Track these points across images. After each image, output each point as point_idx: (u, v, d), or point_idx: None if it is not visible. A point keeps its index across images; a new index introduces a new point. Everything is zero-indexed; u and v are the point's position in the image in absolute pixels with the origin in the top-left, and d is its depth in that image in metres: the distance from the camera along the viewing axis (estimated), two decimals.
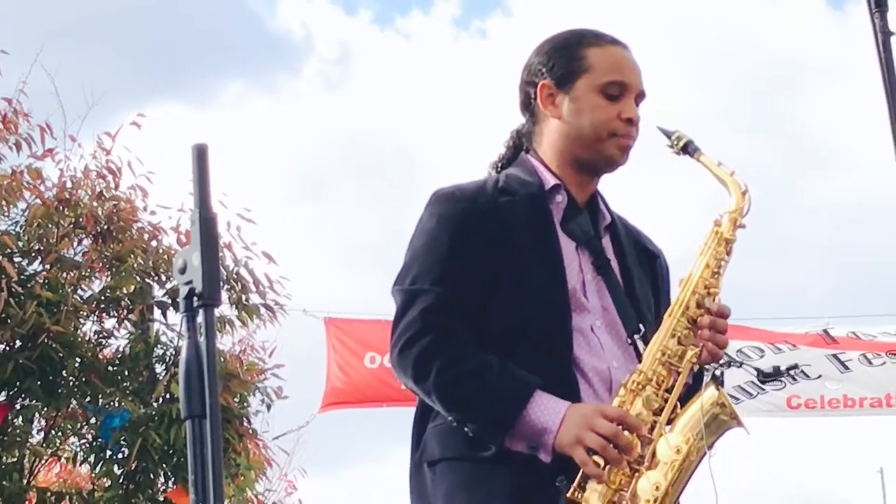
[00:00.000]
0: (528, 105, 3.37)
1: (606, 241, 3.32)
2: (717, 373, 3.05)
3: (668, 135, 3.25)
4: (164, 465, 9.61)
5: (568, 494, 2.94)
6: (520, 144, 3.39)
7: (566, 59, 3.29)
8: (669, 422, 3.03)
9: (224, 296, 9.80)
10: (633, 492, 2.94)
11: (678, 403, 3.05)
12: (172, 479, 9.70)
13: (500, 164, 3.38)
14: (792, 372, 12.72)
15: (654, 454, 2.97)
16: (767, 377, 3.00)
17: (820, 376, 12.79)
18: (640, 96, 3.29)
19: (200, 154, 2.56)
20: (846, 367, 12.84)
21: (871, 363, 12.79)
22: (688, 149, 3.23)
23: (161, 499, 9.76)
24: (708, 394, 3.02)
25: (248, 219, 10.19)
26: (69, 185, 9.85)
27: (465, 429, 3.04)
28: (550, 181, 3.26)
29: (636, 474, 2.95)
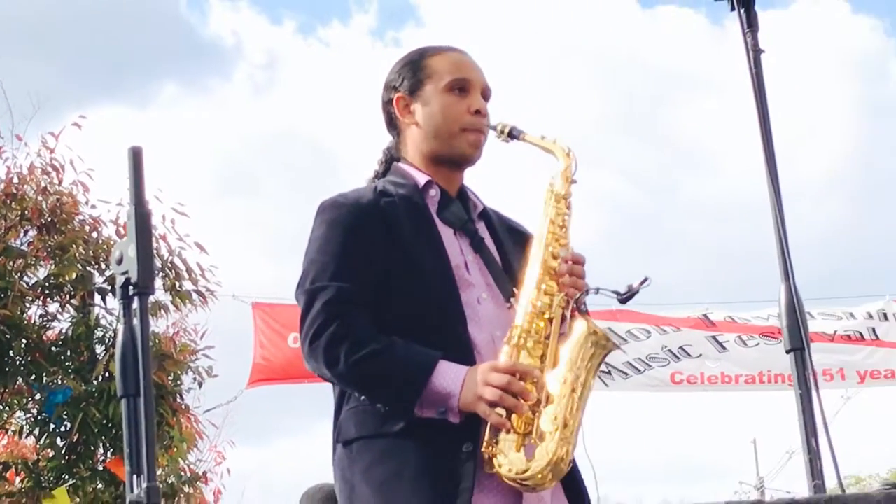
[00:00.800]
0: (391, 122, 3.44)
1: (481, 226, 3.37)
2: (582, 307, 3.11)
3: (492, 128, 3.30)
4: (104, 438, 9.66)
5: (483, 449, 2.97)
6: (391, 158, 3.45)
7: (412, 71, 3.38)
8: (555, 364, 3.06)
9: (159, 283, 9.96)
10: (537, 429, 2.96)
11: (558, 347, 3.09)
12: (111, 450, 9.74)
13: (375, 177, 3.42)
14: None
15: (547, 393, 3.00)
16: (625, 296, 3.03)
17: (700, 355, 12.98)
18: (486, 92, 3.36)
19: (135, 156, 2.58)
20: (724, 348, 13.04)
21: (745, 344, 12.99)
22: (513, 133, 3.30)
23: (100, 468, 9.78)
24: (579, 327, 3.06)
25: (182, 212, 10.28)
26: (16, 180, 9.93)
27: (377, 406, 3.07)
28: (422, 179, 3.32)
29: (536, 415, 2.98)
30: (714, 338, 13.11)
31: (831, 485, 2.62)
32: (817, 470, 2.49)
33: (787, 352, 2.64)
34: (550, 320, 3.09)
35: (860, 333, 13.27)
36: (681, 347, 13.06)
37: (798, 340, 2.61)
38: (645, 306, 13.39)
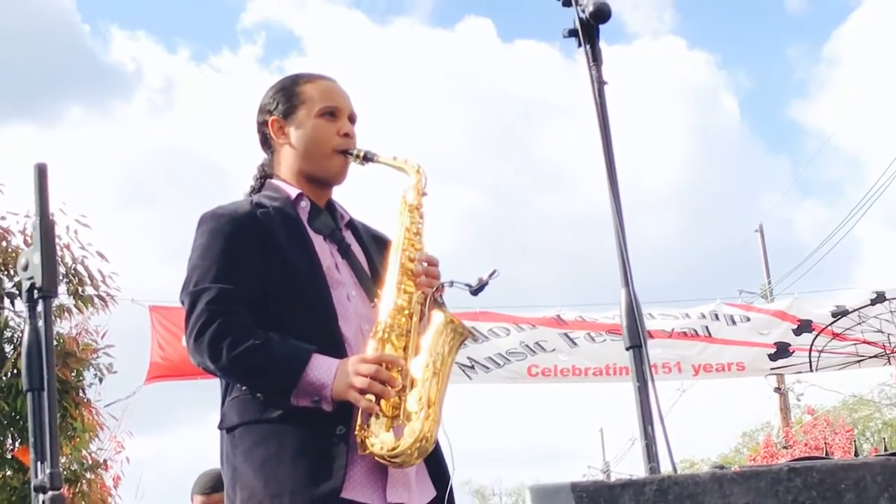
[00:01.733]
0: (265, 142, 3.44)
1: (348, 234, 3.40)
2: (438, 299, 3.17)
3: (350, 153, 3.32)
4: (12, 429, 9.59)
5: (356, 433, 3.00)
6: (265, 174, 3.45)
7: (286, 96, 3.39)
8: (417, 353, 3.11)
9: (63, 288, 9.96)
10: (404, 411, 3.02)
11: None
12: (19, 440, 9.64)
13: (251, 192, 3.42)
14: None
15: (412, 378, 3.05)
16: (476, 288, 3.05)
17: (554, 350, 13.15)
18: (352, 117, 3.39)
19: (41, 172, 2.56)
20: (574, 343, 13.22)
21: (594, 340, 13.19)
22: (367, 156, 3.32)
23: (9, 457, 9.67)
24: (437, 318, 3.12)
25: (85, 224, 10.27)
26: None
27: (257, 395, 3.07)
28: (294, 193, 3.33)
29: (402, 398, 3.03)
30: (566, 335, 13.28)
31: (668, 469, 2.67)
32: (653, 454, 2.53)
33: (627, 349, 2.68)
34: (410, 315, 3.14)
35: (695, 331, 13.55)
36: (536, 343, 13.20)
37: (636, 339, 2.66)
38: (505, 308, 13.63)
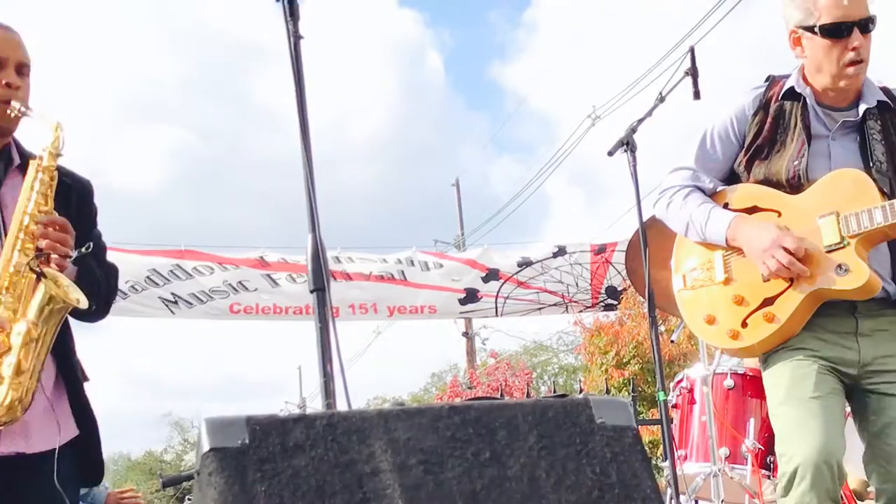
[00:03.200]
0: None
1: (13, 182, 3.23)
2: (35, 267, 3.01)
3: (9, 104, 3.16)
4: None
5: None
6: None
7: None
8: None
9: None
10: None
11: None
12: None
13: None
14: (235, 285, 13.11)
15: (8, 344, 2.95)
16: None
17: (256, 289, 13.19)
18: (21, 67, 3.21)
19: None
20: (276, 284, 13.30)
21: (295, 281, 13.28)
22: (21, 111, 3.14)
23: None
24: (41, 287, 2.99)
25: None
26: None
27: None
28: None
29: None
30: (269, 275, 13.35)
31: (360, 405, 2.74)
32: (330, 391, 2.59)
33: (311, 291, 2.72)
34: (25, 279, 3.01)
35: (392, 275, 13.88)
36: (239, 282, 13.22)
37: (320, 282, 2.70)
38: (209, 248, 13.58)
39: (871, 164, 3.49)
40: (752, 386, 5.51)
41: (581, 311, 15.26)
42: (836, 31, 3.46)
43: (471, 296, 14.01)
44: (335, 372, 2.59)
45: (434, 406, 2.16)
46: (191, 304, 13.08)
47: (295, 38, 2.69)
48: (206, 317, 13.31)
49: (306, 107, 2.68)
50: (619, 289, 14.52)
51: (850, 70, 3.47)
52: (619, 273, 14.06)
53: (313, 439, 2.09)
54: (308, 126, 2.67)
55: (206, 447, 2.07)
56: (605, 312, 15.63)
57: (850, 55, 3.46)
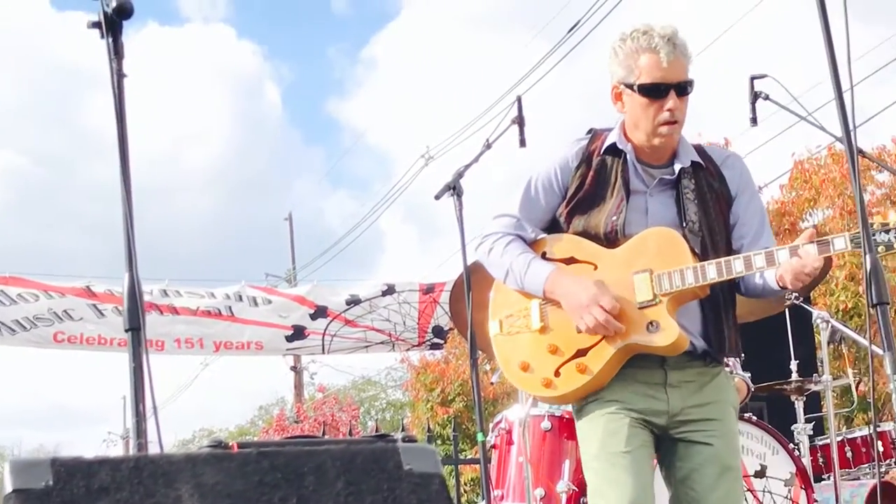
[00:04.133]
0: None
1: None
2: None
3: None
4: None
5: None
6: None
7: None
8: None
9: None
10: None
11: None
12: None
13: None
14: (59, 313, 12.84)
15: None
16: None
17: (82, 318, 12.89)
18: None
19: None
20: (102, 314, 13.03)
21: (121, 313, 12.99)
22: None
23: None
24: None
25: None
26: None
27: None
28: None
29: None
30: (95, 305, 13.06)
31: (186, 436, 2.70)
32: (142, 430, 2.54)
33: (126, 331, 2.67)
34: None
35: (219, 310, 13.73)
36: (64, 311, 12.91)
37: (136, 321, 2.66)
38: (35, 275, 13.29)
39: (685, 223, 3.60)
40: (568, 428, 5.58)
41: (408, 350, 15.31)
42: (653, 91, 3.55)
43: (298, 333, 13.92)
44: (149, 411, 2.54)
45: (242, 452, 2.14)
46: (14, 330, 12.72)
47: (118, 77, 2.65)
48: (30, 344, 12.96)
49: (127, 147, 2.64)
50: (446, 328, 14.60)
51: (664, 129, 3.58)
52: (447, 313, 14.13)
53: (119, 482, 2.05)
54: (128, 165, 2.62)
55: (8, 488, 2.02)
56: (431, 351, 15.70)
57: (665, 115, 3.56)
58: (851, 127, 2.96)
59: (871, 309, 2.92)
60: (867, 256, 2.96)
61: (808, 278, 3.41)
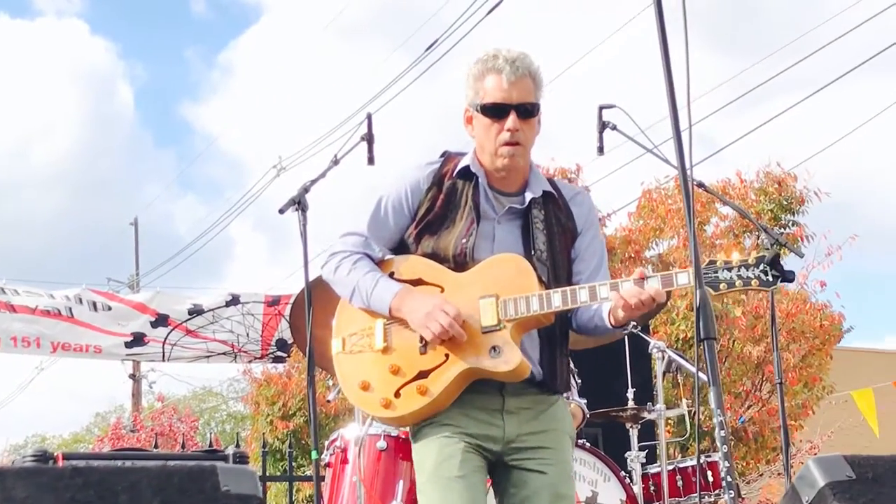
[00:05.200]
0: None
1: None
2: None
3: None
4: None
5: None
6: None
7: None
8: None
9: None
10: None
11: None
12: None
13: None
14: None
15: None
16: None
17: None
18: None
19: None
20: None
21: None
22: None
23: None
24: None
25: None
26: None
27: None
28: None
29: None
30: None
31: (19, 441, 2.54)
32: None
33: None
34: None
35: (59, 311, 13.51)
36: None
37: None
38: None
39: (533, 252, 3.60)
40: (403, 449, 5.53)
41: (250, 362, 15.12)
42: (494, 111, 3.57)
43: (137, 339, 13.73)
44: None
45: (57, 467, 2.02)
46: None
47: None
48: None
49: None
50: (290, 342, 14.47)
51: (504, 150, 3.58)
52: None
53: None
54: None
55: None
56: (273, 364, 15.52)
57: (505, 135, 3.57)
58: (688, 164, 2.96)
59: (698, 344, 2.92)
60: (697, 291, 2.96)
61: (641, 312, 3.44)
